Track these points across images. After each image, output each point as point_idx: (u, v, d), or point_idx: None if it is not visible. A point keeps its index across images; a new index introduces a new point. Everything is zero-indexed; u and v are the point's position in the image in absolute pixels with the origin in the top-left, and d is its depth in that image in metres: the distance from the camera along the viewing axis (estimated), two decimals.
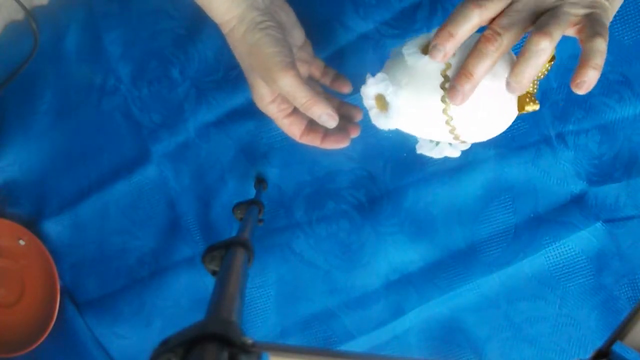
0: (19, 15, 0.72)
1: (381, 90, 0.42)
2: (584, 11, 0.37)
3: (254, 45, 0.45)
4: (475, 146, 0.46)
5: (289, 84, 0.44)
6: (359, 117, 0.56)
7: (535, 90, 0.43)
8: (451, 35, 0.38)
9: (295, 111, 0.51)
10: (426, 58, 0.40)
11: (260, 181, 0.64)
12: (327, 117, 0.46)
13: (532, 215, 0.58)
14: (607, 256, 0.57)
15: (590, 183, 0.56)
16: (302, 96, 0.45)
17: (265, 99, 0.49)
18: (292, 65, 0.45)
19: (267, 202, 0.65)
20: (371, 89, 0.43)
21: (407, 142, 0.51)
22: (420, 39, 0.43)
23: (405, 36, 0.58)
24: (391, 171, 0.61)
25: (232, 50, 0.49)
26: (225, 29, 0.47)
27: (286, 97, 0.46)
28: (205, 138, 0.66)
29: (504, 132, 0.58)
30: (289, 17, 0.51)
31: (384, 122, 0.43)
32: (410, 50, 0.42)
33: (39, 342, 0.71)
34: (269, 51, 0.45)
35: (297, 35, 0.53)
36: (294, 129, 0.51)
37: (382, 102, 0.43)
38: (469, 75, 0.38)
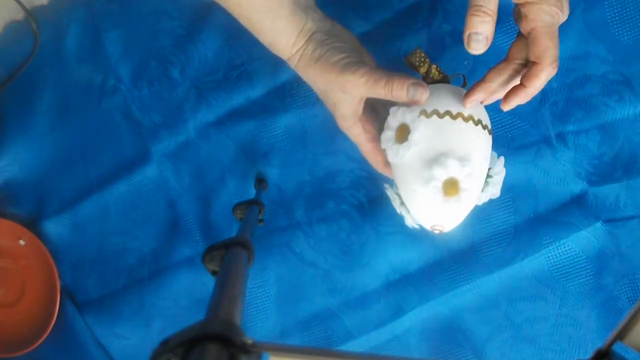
0: (19, 15, 0.72)
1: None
2: None
3: (321, 60, 0.45)
4: None
5: (364, 80, 0.43)
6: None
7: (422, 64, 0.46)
8: (487, 14, 0.38)
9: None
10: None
11: (260, 181, 0.64)
12: (413, 87, 0.42)
13: (532, 215, 0.58)
14: (607, 256, 0.57)
15: (590, 183, 0.56)
16: (379, 77, 0.42)
17: (348, 119, 0.47)
18: (361, 64, 0.43)
19: (267, 202, 0.65)
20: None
21: None
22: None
23: (406, 36, 0.58)
24: None
25: (305, 82, 0.48)
26: (293, 62, 0.47)
27: (367, 93, 0.44)
28: (205, 138, 0.66)
29: (504, 132, 0.58)
30: (353, 40, 0.49)
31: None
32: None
33: (39, 342, 0.71)
34: (335, 59, 0.44)
35: (368, 58, 0.50)
36: (377, 157, 0.49)
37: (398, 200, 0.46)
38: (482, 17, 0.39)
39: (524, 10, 0.39)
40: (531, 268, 0.58)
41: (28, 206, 0.73)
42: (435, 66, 0.46)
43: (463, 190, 0.40)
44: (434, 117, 0.41)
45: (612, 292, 0.57)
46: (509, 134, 0.58)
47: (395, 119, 0.43)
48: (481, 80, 0.43)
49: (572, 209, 0.57)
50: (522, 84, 0.41)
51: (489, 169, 0.44)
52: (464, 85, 0.46)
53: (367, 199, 0.62)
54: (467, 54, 0.60)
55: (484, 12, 0.38)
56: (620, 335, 0.24)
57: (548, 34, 0.39)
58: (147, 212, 0.69)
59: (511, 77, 0.43)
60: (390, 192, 0.47)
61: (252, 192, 0.64)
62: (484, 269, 0.59)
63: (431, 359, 0.61)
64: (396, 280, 0.62)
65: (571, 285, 0.58)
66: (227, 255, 0.37)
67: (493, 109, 0.58)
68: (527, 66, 0.42)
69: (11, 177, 0.74)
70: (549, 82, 0.56)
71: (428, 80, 0.46)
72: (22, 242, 0.72)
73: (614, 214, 0.56)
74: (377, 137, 0.48)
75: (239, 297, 0.29)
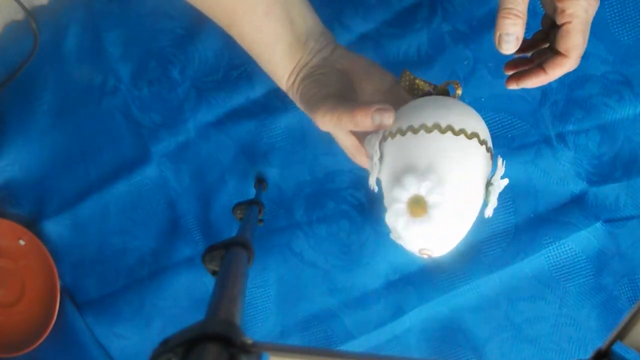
0: (19, 15, 0.72)
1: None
2: None
3: (300, 94, 0.44)
4: None
5: (327, 118, 0.40)
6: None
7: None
8: (517, 16, 0.38)
9: None
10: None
11: (260, 181, 0.64)
12: (377, 113, 0.38)
13: (532, 215, 0.58)
14: (607, 256, 0.57)
15: (590, 183, 0.56)
16: (342, 112, 0.39)
17: (354, 155, 0.46)
18: (326, 99, 0.41)
19: (267, 202, 0.65)
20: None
21: None
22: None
23: (406, 36, 0.58)
24: None
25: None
26: (290, 96, 0.46)
27: (336, 129, 0.42)
28: (205, 138, 0.66)
29: (504, 132, 0.58)
30: (357, 64, 0.45)
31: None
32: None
33: (39, 342, 0.71)
34: (310, 93, 0.43)
35: (378, 80, 0.45)
36: None
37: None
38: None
39: (560, 4, 0.39)
40: (531, 268, 0.58)
41: (28, 206, 0.73)
42: (423, 80, 0.43)
43: (432, 207, 0.35)
44: (408, 133, 0.37)
45: (612, 292, 0.57)
46: (509, 134, 0.58)
47: (370, 147, 0.39)
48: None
49: (572, 209, 0.57)
50: (543, 69, 0.41)
51: (490, 177, 0.40)
52: (457, 95, 0.42)
53: (367, 199, 0.62)
54: (467, 53, 0.60)
55: (515, 14, 0.38)
56: (620, 335, 0.24)
57: (581, 31, 0.39)
58: (147, 212, 0.69)
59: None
60: (387, 221, 0.42)
61: (252, 192, 0.64)
62: (484, 269, 0.59)
63: (431, 359, 0.61)
64: (396, 280, 0.62)
65: (571, 285, 0.58)
66: (227, 255, 0.37)
67: (493, 109, 0.58)
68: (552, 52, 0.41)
69: (11, 177, 0.74)
70: (549, 82, 0.56)
71: (419, 96, 0.43)
72: (22, 242, 0.72)
73: (614, 214, 0.56)
74: None
75: (239, 297, 0.29)
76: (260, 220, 0.60)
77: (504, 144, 0.58)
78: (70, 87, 0.70)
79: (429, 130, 0.36)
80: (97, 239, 0.72)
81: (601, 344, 0.25)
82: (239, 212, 0.58)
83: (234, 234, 0.44)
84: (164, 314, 0.70)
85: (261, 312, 0.67)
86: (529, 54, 0.44)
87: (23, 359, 0.72)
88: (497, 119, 0.58)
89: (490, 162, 0.39)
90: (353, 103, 0.40)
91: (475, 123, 0.38)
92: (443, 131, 0.36)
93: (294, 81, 0.45)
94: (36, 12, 0.71)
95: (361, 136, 0.43)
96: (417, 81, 0.42)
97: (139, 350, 0.72)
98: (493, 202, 0.40)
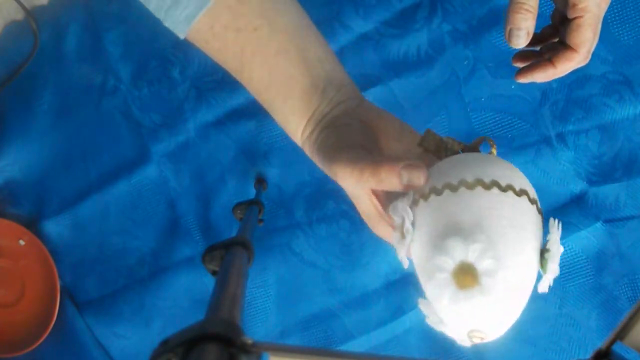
0: (19, 15, 0.72)
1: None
2: None
3: (318, 145, 0.37)
4: None
5: (348, 170, 0.34)
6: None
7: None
8: (528, 11, 0.38)
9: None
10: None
11: (260, 181, 0.64)
12: (407, 170, 0.32)
13: None
14: (607, 256, 0.57)
15: (590, 183, 0.56)
16: (364, 166, 0.33)
17: (370, 218, 0.39)
18: (349, 149, 0.35)
19: (267, 202, 0.65)
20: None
21: None
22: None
23: (406, 36, 0.58)
24: None
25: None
26: (306, 148, 0.40)
27: (356, 186, 0.35)
28: (205, 138, 0.66)
29: (504, 133, 0.58)
30: (386, 120, 0.39)
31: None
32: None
33: (39, 342, 0.71)
34: (330, 142, 0.37)
35: (409, 140, 0.39)
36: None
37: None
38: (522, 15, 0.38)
39: None
40: None
41: (28, 206, 0.73)
42: (452, 139, 0.37)
43: (485, 275, 0.29)
44: (446, 192, 0.31)
45: (612, 292, 0.57)
46: (509, 134, 0.58)
47: (396, 215, 0.33)
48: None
49: (572, 209, 0.57)
50: (552, 63, 0.41)
51: (545, 242, 0.33)
52: (492, 151, 0.37)
53: None
54: (467, 53, 0.60)
55: (526, 9, 0.38)
56: (620, 335, 0.24)
57: (592, 26, 0.38)
58: (147, 212, 0.69)
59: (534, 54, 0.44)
60: (422, 306, 0.33)
61: (252, 192, 0.64)
62: None
63: (431, 359, 0.61)
64: (396, 280, 0.62)
65: (571, 285, 0.58)
66: (227, 255, 0.37)
67: (493, 109, 0.58)
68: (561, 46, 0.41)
69: (11, 177, 0.74)
70: (549, 82, 0.56)
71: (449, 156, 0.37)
72: (22, 242, 0.72)
73: (614, 214, 0.56)
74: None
75: (239, 297, 0.29)
76: (260, 220, 0.60)
77: (504, 144, 0.58)
78: (70, 87, 0.70)
79: (470, 186, 0.31)
80: (97, 239, 0.71)
81: (601, 344, 0.25)
82: (239, 212, 0.58)
83: (234, 234, 0.44)
84: (164, 314, 0.70)
85: (261, 312, 0.67)
86: (537, 48, 0.44)
87: (23, 359, 0.72)
88: (497, 119, 0.57)
89: (542, 225, 0.33)
90: (379, 157, 0.35)
91: (522, 180, 0.32)
92: (488, 187, 0.30)
93: (311, 132, 0.39)
94: (36, 12, 0.71)
95: (385, 201, 0.38)
96: (444, 140, 0.37)
97: (139, 350, 0.72)
98: (553, 271, 0.33)
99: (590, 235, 0.56)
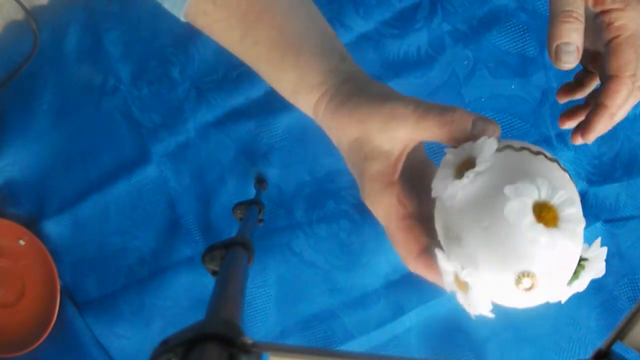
0: (19, 15, 0.72)
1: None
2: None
3: (358, 94, 0.33)
4: None
5: (411, 109, 0.30)
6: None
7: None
8: (578, 19, 0.32)
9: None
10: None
11: (260, 181, 0.64)
12: (481, 120, 0.30)
13: None
14: (607, 256, 0.57)
15: (590, 183, 0.56)
16: (431, 106, 0.30)
17: (380, 179, 0.34)
18: (400, 97, 0.32)
19: (267, 202, 0.65)
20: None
21: None
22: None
23: (406, 36, 0.58)
24: None
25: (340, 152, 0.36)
26: (321, 105, 0.35)
27: (415, 130, 0.31)
28: (205, 138, 0.66)
29: (504, 132, 0.58)
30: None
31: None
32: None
33: (39, 342, 0.71)
34: (376, 90, 0.33)
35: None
36: (409, 243, 0.35)
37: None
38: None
39: (606, 18, 0.33)
40: None
41: (28, 206, 0.73)
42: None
43: (565, 221, 0.28)
44: (508, 150, 0.30)
45: (612, 292, 0.57)
46: (509, 134, 0.58)
47: (456, 154, 0.30)
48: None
49: None
50: (602, 104, 0.35)
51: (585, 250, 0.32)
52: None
53: None
54: (467, 54, 0.60)
55: (575, 17, 0.32)
56: (620, 335, 0.24)
57: (633, 45, 0.33)
58: (147, 212, 0.69)
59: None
60: (441, 261, 0.32)
61: (252, 192, 0.64)
62: None
63: (431, 359, 0.61)
64: (396, 280, 0.62)
65: None
66: (227, 255, 0.37)
67: (493, 109, 0.58)
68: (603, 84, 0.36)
69: (11, 177, 0.74)
70: (549, 82, 0.56)
71: None
72: (22, 242, 0.72)
73: (614, 214, 0.56)
74: (414, 215, 0.35)
75: (239, 297, 0.29)
76: (260, 220, 0.60)
77: None
78: (70, 87, 0.70)
79: (550, 159, 0.30)
80: (97, 239, 0.71)
81: (601, 344, 0.25)
82: (239, 212, 0.58)
83: (234, 234, 0.44)
84: (164, 314, 0.70)
85: (261, 312, 0.67)
86: (582, 97, 0.40)
87: (23, 359, 0.72)
88: (497, 119, 0.57)
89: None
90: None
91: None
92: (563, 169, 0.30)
93: (339, 85, 0.34)
94: (36, 12, 0.71)
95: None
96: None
97: (139, 350, 0.72)
98: (580, 285, 0.32)
99: (590, 235, 0.56)
